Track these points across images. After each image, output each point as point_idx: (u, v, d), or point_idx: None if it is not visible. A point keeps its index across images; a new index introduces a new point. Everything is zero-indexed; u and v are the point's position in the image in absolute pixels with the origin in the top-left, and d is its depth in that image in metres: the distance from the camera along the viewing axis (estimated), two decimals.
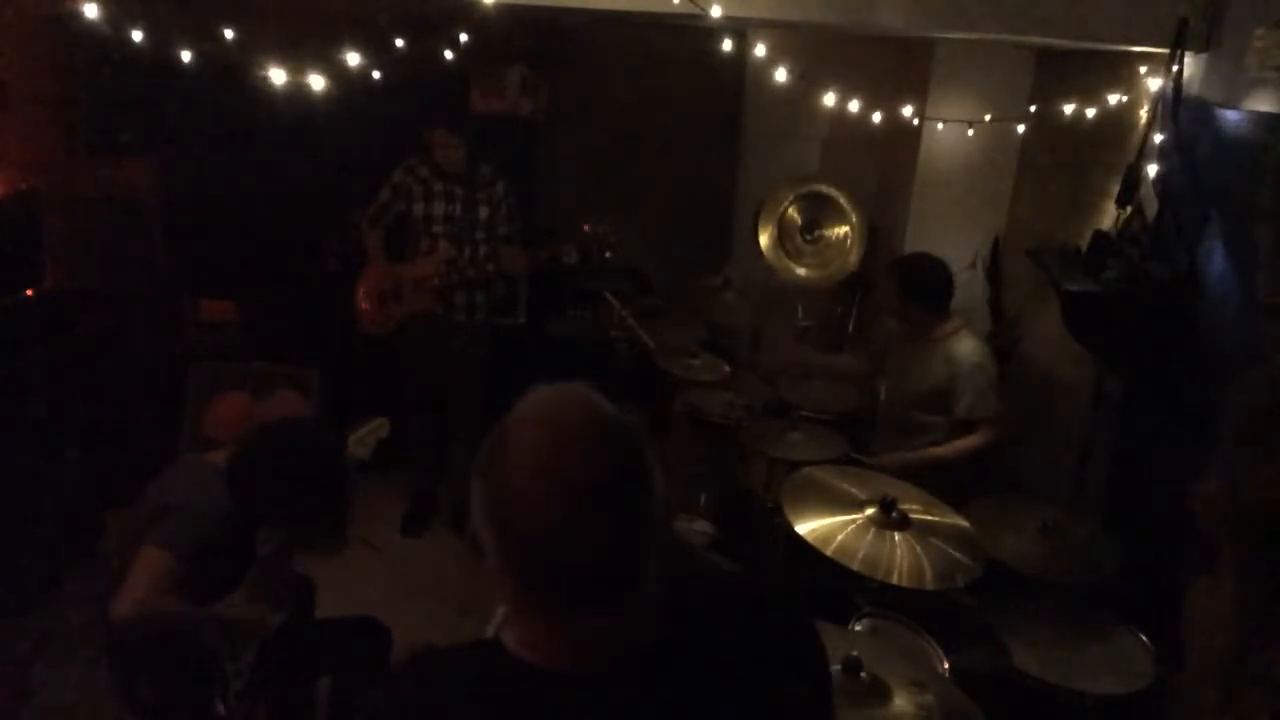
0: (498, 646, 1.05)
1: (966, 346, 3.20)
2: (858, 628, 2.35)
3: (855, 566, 2.26)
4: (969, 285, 4.04)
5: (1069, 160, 3.61)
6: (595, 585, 0.97)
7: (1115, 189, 2.99)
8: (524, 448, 0.97)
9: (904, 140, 4.06)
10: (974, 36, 3.33)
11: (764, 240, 4.34)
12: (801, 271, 4.39)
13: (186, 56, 3.15)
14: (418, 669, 1.14)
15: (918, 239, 4.01)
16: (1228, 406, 1.07)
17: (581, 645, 1.01)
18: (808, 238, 4.42)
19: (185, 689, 2.28)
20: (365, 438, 2.63)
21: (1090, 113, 3.34)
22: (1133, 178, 2.90)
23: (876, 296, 4.49)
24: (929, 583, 2.26)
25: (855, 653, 1.87)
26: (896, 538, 2.38)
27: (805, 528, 2.39)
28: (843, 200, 4.33)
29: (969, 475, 3.24)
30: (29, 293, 3.75)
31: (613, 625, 1.00)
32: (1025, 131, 3.84)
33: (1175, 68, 2.75)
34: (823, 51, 4.02)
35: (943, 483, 2.95)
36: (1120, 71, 3.23)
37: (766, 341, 4.69)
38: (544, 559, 0.95)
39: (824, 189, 4.37)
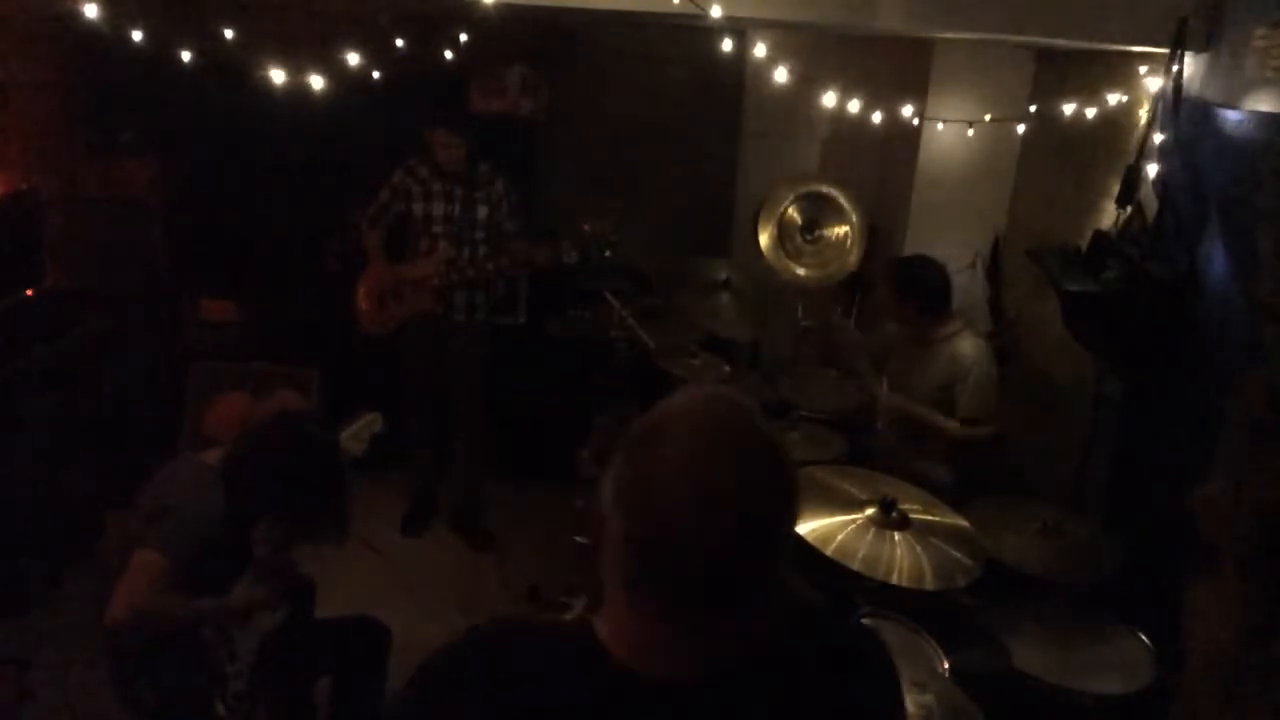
0: (589, 632, 1.02)
1: (968, 347, 3.21)
2: None
3: (855, 566, 2.26)
4: (969, 285, 4.04)
5: (1069, 160, 3.61)
6: (716, 582, 0.95)
7: (1115, 189, 2.99)
8: (673, 443, 0.96)
9: (904, 140, 4.06)
10: (974, 36, 3.33)
11: (764, 240, 4.34)
12: (801, 271, 4.39)
13: (186, 56, 3.15)
14: (500, 635, 1.10)
15: (918, 239, 4.01)
16: (1228, 408, 1.07)
17: (681, 645, 0.98)
18: (808, 238, 4.41)
19: (185, 690, 2.28)
20: (359, 433, 2.63)
21: (1090, 113, 3.34)
22: (1133, 178, 2.90)
23: (876, 297, 4.49)
24: (929, 583, 2.26)
25: None
26: (896, 538, 2.38)
27: (805, 528, 2.39)
28: (843, 200, 4.33)
29: (969, 477, 3.24)
30: (29, 293, 3.75)
31: (720, 630, 0.97)
32: (1025, 131, 3.84)
33: (1175, 68, 2.75)
34: (823, 51, 4.02)
35: (945, 486, 2.96)
36: (1120, 71, 3.23)
37: (767, 341, 4.69)
38: (670, 546, 0.93)
39: (824, 189, 4.36)
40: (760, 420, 1.01)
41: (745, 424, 0.99)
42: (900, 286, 3.29)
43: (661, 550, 0.94)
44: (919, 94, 3.87)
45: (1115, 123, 3.27)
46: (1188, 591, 1.07)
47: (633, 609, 0.98)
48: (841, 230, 4.35)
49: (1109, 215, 3.11)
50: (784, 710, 1.00)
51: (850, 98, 3.37)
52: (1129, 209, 2.93)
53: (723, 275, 4.16)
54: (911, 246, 4.01)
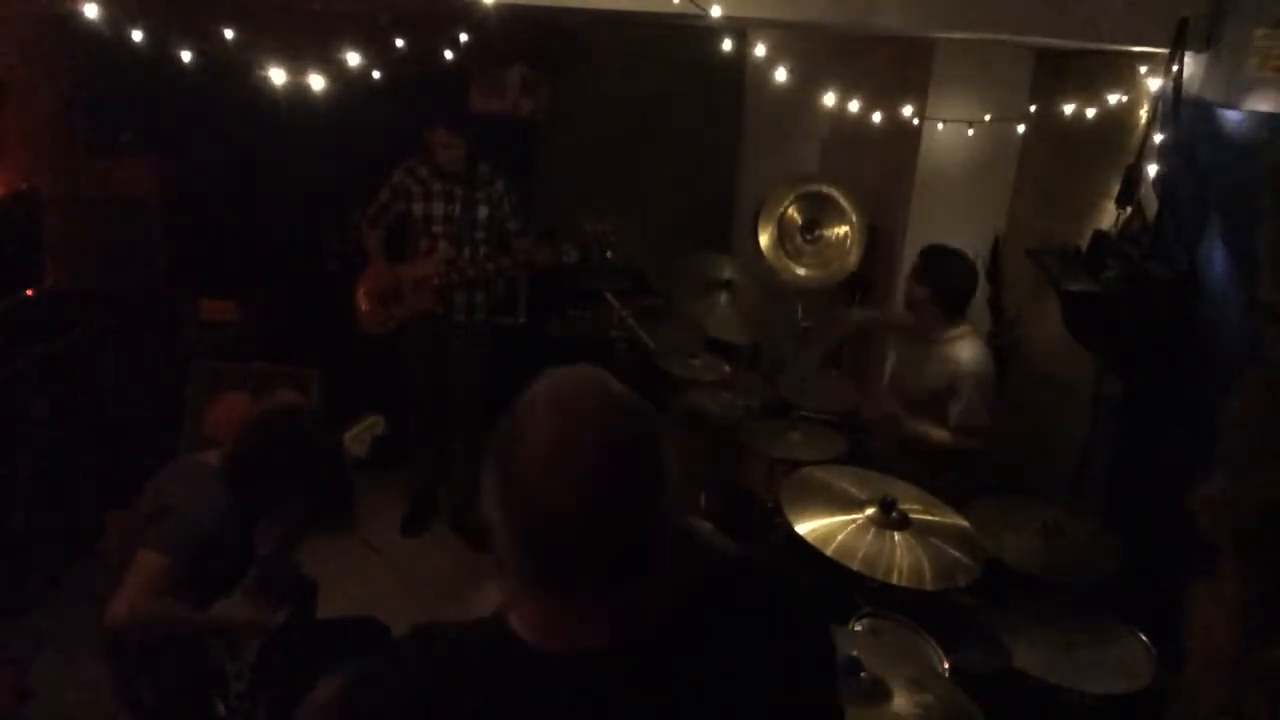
0: (500, 627, 1.04)
1: (969, 352, 3.14)
2: (858, 628, 2.35)
3: (855, 566, 2.27)
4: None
5: (1069, 160, 3.61)
6: (598, 562, 0.97)
7: (1115, 189, 2.99)
8: (534, 426, 0.99)
9: (904, 140, 4.06)
10: (974, 36, 3.33)
11: (764, 240, 4.34)
12: (801, 271, 4.39)
13: (186, 56, 3.15)
14: (417, 642, 1.12)
15: (918, 239, 4.00)
16: (1228, 408, 1.07)
17: (584, 626, 1.00)
18: (808, 238, 4.42)
19: (186, 690, 2.28)
20: (360, 435, 2.63)
21: (1090, 113, 3.34)
22: (1133, 178, 2.90)
23: (876, 296, 4.49)
24: (929, 583, 2.26)
25: (855, 653, 1.87)
26: (896, 538, 2.38)
27: (805, 528, 2.39)
28: (843, 200, 4.33)
29: (966, 479, 3.24)
30: (29, 293, 3.75)
31: (617, 606, 1.00)
32: (1025, 131, 3.84)
33: (1175, 68, 2.75)
34: (823, 51, 4.02)
35: (930, 483, 2.96)
36: (1120, 71, 3.23)
37: (767, 342, 4.69)
38: (549, 534, 0.96)
39: (824, 189, 4.36)
40: (617, 393, 1.03)
41: (601, 402, 1.01)
42: (927, 268, 3.21)
43: (538, 540, 0.96)
44: (919, 94, 3.86)
45: (1115, 123, 3.27)
46: (1188, 592, 1.07)
47: (533, 596, 1.01)
48: (841, 230, 4.35)
49: (1109, 215, 3.11)
50: (697, 674, 1.02)
51: (850, 98, 3.37)
52: (1129, 209, 2.93)
53: (723, 275, 4.17)
54: (911, 246, 4.00)
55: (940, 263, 3.23)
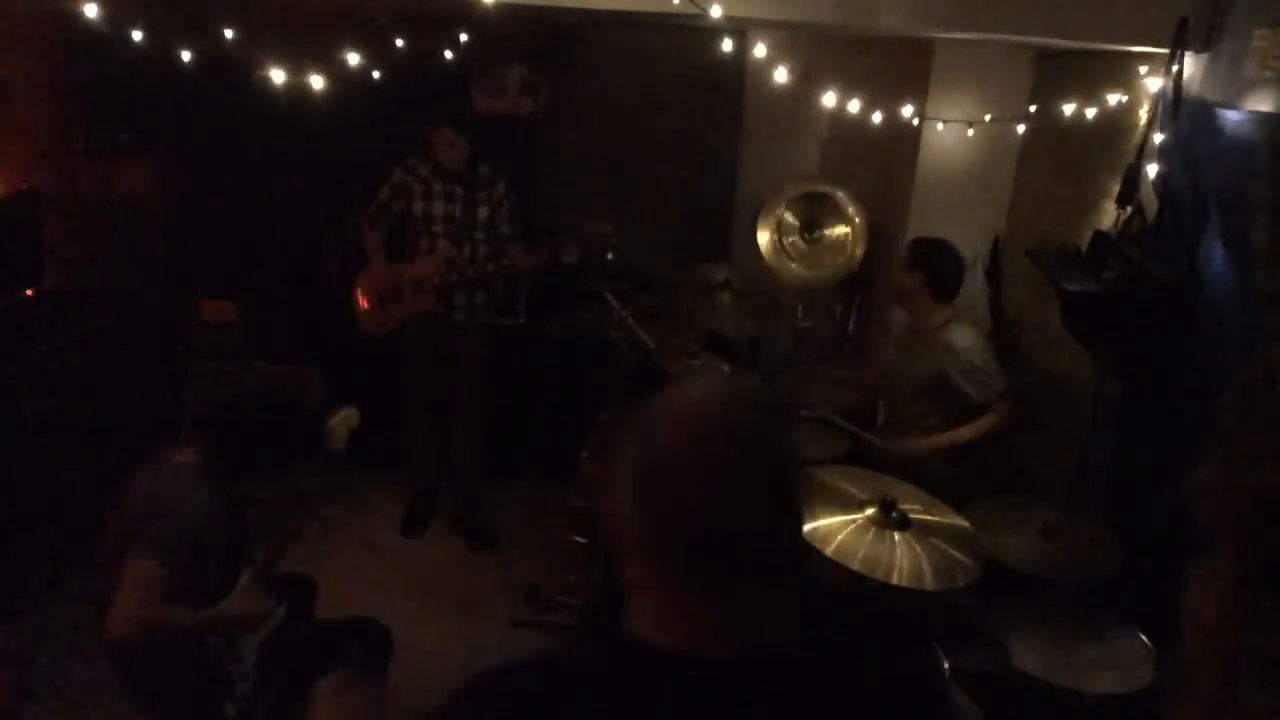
0: (623, 637, 1.00)
1: (959, 334, 3.22)
2: None
3: (855, 566, 2.26)
4: (969, 285, 4.03)
5: (1069, 160, 3.60)
6: (738, 554, 0.96)
7: (1115, 189, 2.99)
8: (678, 418, 0.99)
9: (904, 140, 4.06)
10: (974, 36, 3.33)
11: (763, 240, 4.34)
12: (802, 272, 4.39)
13: (186, 56, 3.15)
14: (531, 660, 1.05)
15: None
16: (1226, 395, 1.08)
17: (721, 626, 0.97)
18: (808, 238, 4.41)
19: (195, 697, 2.28)
20: (335, 428, 2.62)
21: (1090, 113, 3.34)
22: (1133, 178, 2.90)
23: (876, 294, 4.50)
24: (929, 583, 2.26)
25: None
26: (896, 538, 2.38)
27: (805, 527, 2.39)
28: (843, 200, 4.33)
29: (970, 474, 3.24)
30: (29, 293, 3.75)
31: (754, 608, 0.97)
32: (1025, 131, 3.84)
33: (1175, 68, 2.74)
34: (823, 51, 4.02)
35: (945, 484, 2.95)
36: (1120, 71, 3.23)
37: (767, 341, 4.69)
38: (689, 522, 0.95)
39: (824, 189, 4.36)
40: (754, 389, 1.06)
41: (743, 392, 1.03)
42: (915, 256, 3.31)
43: (682, 527, 0.96)
44: (919, 94, 3.86)
45: (1115, 123, 3.27)
46: (1185, 573, 1.08)
47: (665, 593, 0.99)
48: (841, 230, 4.35)
49: (1109, 215, 3.11)
50: (821, 696, 1.00)
51: (850, 98, 3.37)
52: (1129, 209, 2.93)
53: (722, 277, 4.17)
54: None
55: (928, 250, 3.32)
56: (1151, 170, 2.87)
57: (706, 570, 0.97)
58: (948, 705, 1.16)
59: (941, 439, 3.22)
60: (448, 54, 4.08)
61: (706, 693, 0.96)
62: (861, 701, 1.03)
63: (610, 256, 3.77)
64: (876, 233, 4.41)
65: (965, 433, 3.19)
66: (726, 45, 2.87)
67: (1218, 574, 1.03)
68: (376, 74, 3.60)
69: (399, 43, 3.95)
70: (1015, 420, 3.20)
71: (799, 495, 1.00)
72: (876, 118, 3.52)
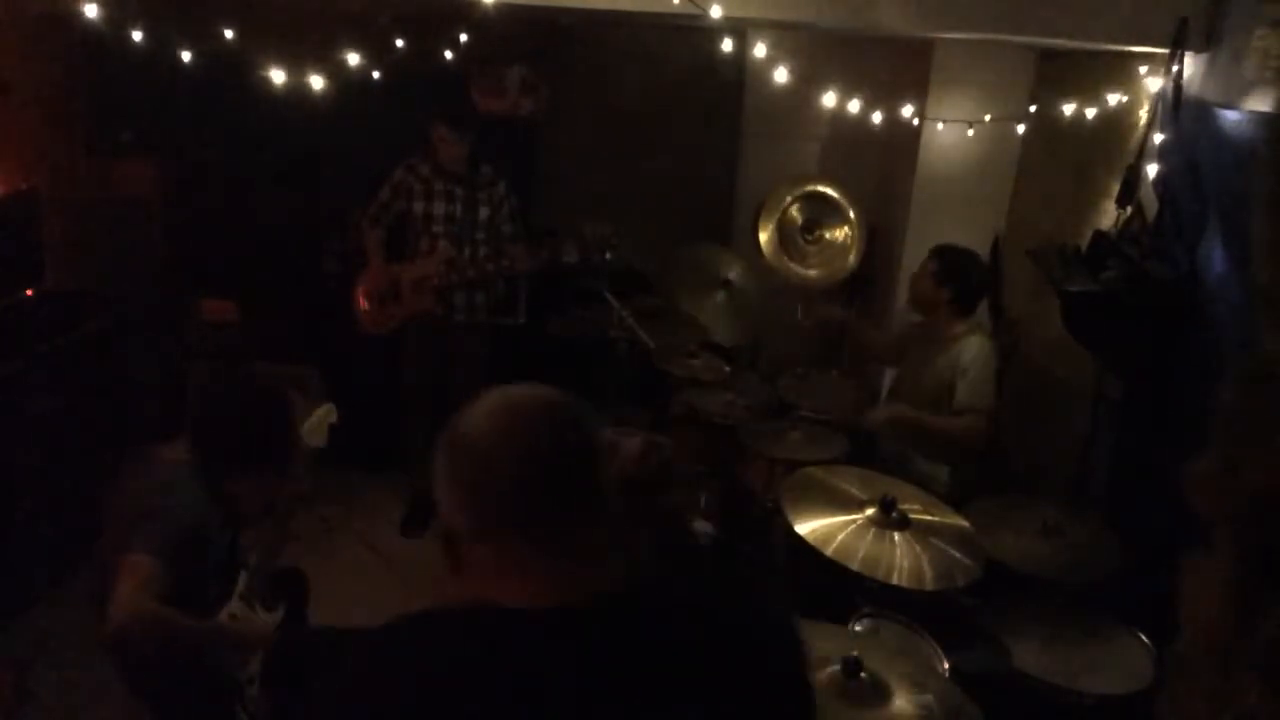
0: (477, 601, 1.13)
1: (973, 346, 3.22)
2: (858, 628, 2.35)
3: (855, 566, 2.26)
4: None
5: (1069, 160, 3.60)
6: (542, 506, 1.10)
7: (1115, 189, 2.99)
8: (480, 417, 1.13)
9: (904, 140, 4.06)
10: (974, 36, 3.33)
11: (764, 240, 4.34)
12: (802, 271, 4.39)
13: (187, 56, 3.15)
14: (395, 633, 1.17)
15: (918, 239, 4.01)
16: (1225, 388, 1.07)
17: (556, 582, 1.11)
18: (808, 238, 4.42)
19: (205, 703, 2.28)
20: (317, 425, 2.62)
21: (1090, 113, 3.34)
22: (1133, 178, 2.90)
23: (876, 294, 4.49)
24: (929, 583, 2.26)
25: (855, 653, 1.87)
26: (896, 538, 2.38)
27: (805, 528, 2.39)
28: (843, 200, 4.33)
29: (969, 476, 3.24)
30: (29, 293, 3.75)
31: (583, 560, 1.12)
32: (1025, 131, 3.84)
33: (1175, 68, 2.75)
34: (823, 51, 4.02)
35: (949, 480, 2.96)
36: (1120, 71, 3.23)
37: (767, 341, 4.69)
38: (497, 477, 1.09)
39: (824, 189, 4.37)
40: (567, 400, 1.18)
41: (536, 391, 1.17)
42: (945, 268, 3.29)
43: (489, 486, 1.10)
44: (919, 94, 3.87)
45: (1115, 123, 3.27)
46: (1183, 566, 1.08)
47: (489, 556, 1.12)
48: (841, 230, 4.35)
49: (1109, 215, 3.11)
50: (667, 637, 1.12)
51: (850, 98, 3.37)
52: (1129, 209, 2.93)
53: (722, 272, 4.17)
54: (911, 246, 4.01)
55: (959, 263, 3.31)
56: (1151, 170, 2.87)
57: (518, 523, 1.10)
58: (784, 662, 1.23)
59: (909, 412, 3.23)
60: (448, 54, 4.08)
61: (537, 638, 1.09)
62: (700, 641, 1.14)
63: (610, 257, 3.77)
64: (876, 233, 4.41)
65: (935, 422, 3.19)
66: (726, 45, 2.87)
67: (1216, 571, 1.03)
68: (376, 74, 3.60)
69: (399, 43, 3.94)
70: (981, 441, 3.19)
71: (597, 470, 1.14)
72: (876, 118, 3.52)
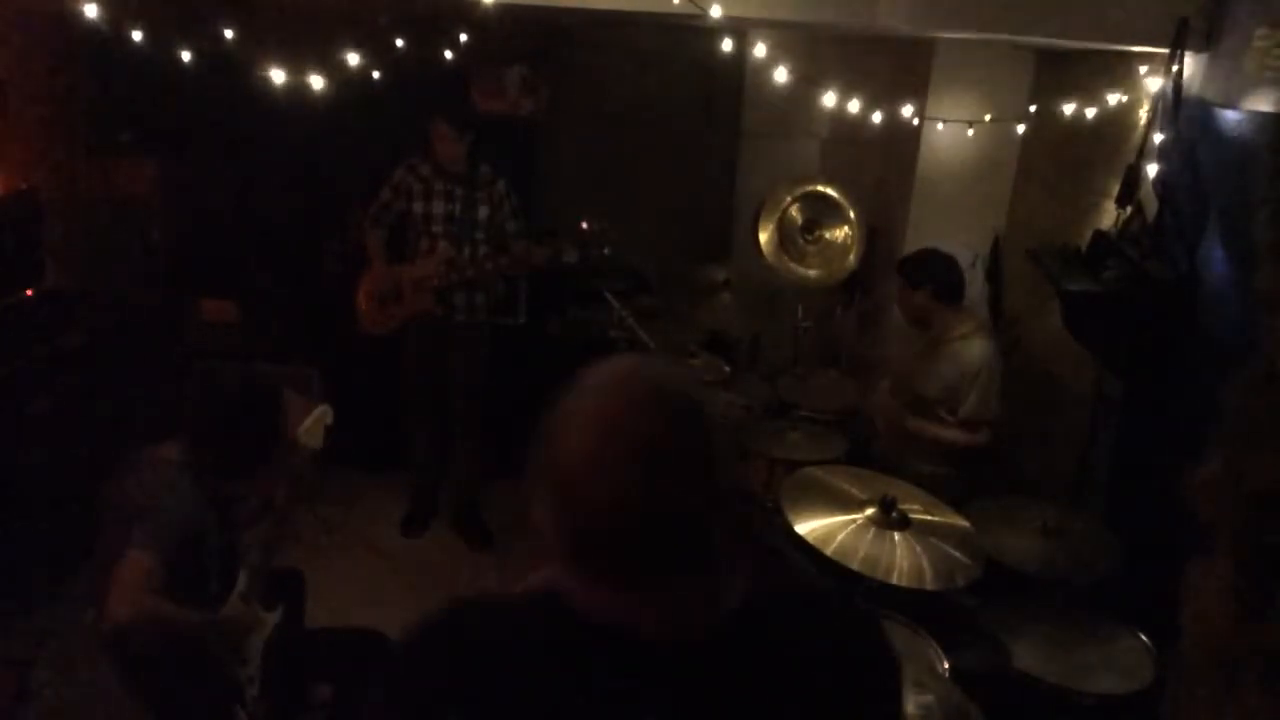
0: (557, 600, 1.01)
1: (976, 348, 3.19)
2: None
3: (855, 566, 2.26)
4: (969, 285, 4.04)
5: (1069, 160, 3.61)
6: (658, 555, 0.95)
7: (1115, 189, 2.99)
8: (580, 418, 0.97)
9: (904, 140, 4.06)
10: (974, 36, 3.33)
11: (764, 240, 4.34)
12: (801, 271, 4.39)
13: (187, 56, 3.15)
14: (466, 616, 1.09)
15: (918, 239, 4.01)
16: (1225, 393, 1.08)
17: (648, 612, 0.98)
18: (808, 238, 4.42)
19: (205, 702, 2.28)
20: (313, 427, 2.62)
21: (1090, 113, 3.34)
22: (1133, 178, 2.90)
23: (876, 297, 4.49)
24: (929, 583, 2.26)
25: None
26: (896, 538, 2.38)
27: (805, 528, 2.39)
28: (843, 200, 4.33)
29: (970, 476, 3.24)
30: (29, 293, 3.75)
31: (680, 594, 0.98)
32: (1025, 131, 3.84)
33: (1175, 68, 2.74)
34: (823, 51, 4.02)
35: (951, 484, 2.95)
36: (1120, 71, 3.23)
37: (767, 341, 4.69)
38: (603, 530, 0.95)
39: (824, 189, 4.37)
40: (670, 372, 1.01)
41: (652, 381, 0.99)
42: (910, 275, 3.30)
43: (587, 538, 0.96)
44: (919, 94, 3.87)
45: (1115, 123, 3.27)
46: (1185, 571, 1.08)
47: (592, 589, 1.00)
48: (841, 230, 4.35)
49: (1109, 215, 3.11)
50: (747, 679, 1.00)
51: (850, 98, 3.37)
52: (1129, 209, 2.93)
53: (721, 277, 4.17)
54: (911, 246, 4.00)
55: (922, 264, 3.32)
56: (1151, 170, 2.87)
57: (626, 574, 0.97)
58: (890, 705, 1.13)
59: (928, 425, 3.23)
60: (448, 54, 4.08)
61: (630, 667, 0.98)
62: (792, 688, 1.02)
63: (607, 251, 3.76)
64: (876, 233, 4.41)
65: (949, 435, 3.19)
66: (726, 45, 2.87)
67: (1218, 572, 1.03)
68: (376, 74, 3.60)
69: (399, 43, 3.95)
70: (988, 445, 3.19)
71: (718, 477, 0.97)
72: (876, 118, 3.52)
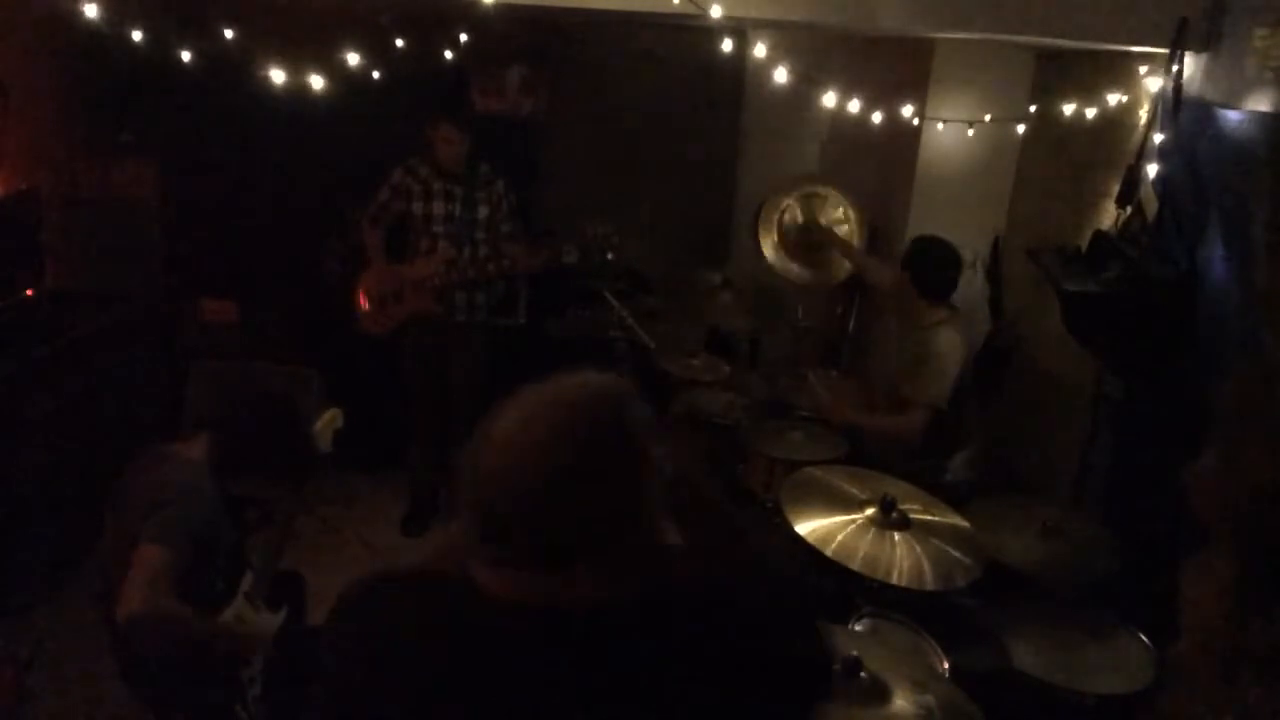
0: (463, 578, 1.08)
1: (942, 337, 3.22)
2: (858, 628, 2.34)
3: (855, 566, 2.26)
4: (969, 285, 4.04)
5: (1069, 160, 3.61)
6: (560, 538, 1.01)
7: (1115, 189, 2.99)
8: (504, 417, 1.07)
9: (904, 140, 4.06)
10: (974, 36, 3.33)
11: (764, 240, 4.34)
12: (802, 271, 4.39)
13: (186, 56, 3.15)
14: (379, 595, 1.16)
15: None
16: (1223, 391, 1.08)
17: (550, 592, 1.05)
18: (808, 238, 4.42)
19: (206, 700, 2.28)
20: (321, 431, 2.64)
21: (1090, 113, 3.33)
22: (1133, 178, 2.90)
23: (876, 294, 4.49)
24: (929, 583, 2.26)
25: (855, 653, 1.86)
26: (896, 538, 2.38)
27: (805, 528, 2.39)
28: (843, 200, 4.33)
29: (969, 475, 3.24)
30: (29, 293, 3.75)
31: (583, 575, 1.03)
32: (1025, 131, 3.84)
33: (1175, 68, 2.74)
34: (823, 51, 4.02)
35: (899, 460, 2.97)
36: (1120, 71, 3.23)
37: (767, 341, 4.69)
38: (508, 513, 1.02)
39: (824, 189, 4.37)
40: (591, 381, 1.08)
41: (566, 388, 1.08)
42: (908, 254, 3.35)
43: (481, 513, 1.04)
44: (919, 94, 3.86)
45: (1115, 123, 3.27)
46: (1183, 569, 1.08)
47: (501, 569, 1.06)
48: (842, 231, 4.35)
49: (1109, 215, 3.11)
50: (660, 654, 1.06)
51: (850, 98, 3.37)
52: (1129, 209, 2.93)
53: (721, 277, 4.17)
54: None
55: (917, 248, 3.35)
56: (1151, 170, 2.87)
57: (531, 560, 1.04)
58: (788, 707, 1.16)
59: (854, 415, 3.30)
60: (448, 54, 4.08)
61: (528, 636, 1.05)
62: (691, 675, 1.06)
63: (610, 256, 3.76)
64: (876, 233, 4.41)
65: (871, 422, 3.24)
66: (726, 45, 2.87)
67: (1216, 571, 1.03)
68: (377, 74, 3.60)
69: (399, 43, 3.95)
70: (917, 437, 3.19)
71: (628, 481, 1.03)
72: (876, 118, 3.52)
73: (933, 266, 3.29)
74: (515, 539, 1.02)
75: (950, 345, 3.21)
